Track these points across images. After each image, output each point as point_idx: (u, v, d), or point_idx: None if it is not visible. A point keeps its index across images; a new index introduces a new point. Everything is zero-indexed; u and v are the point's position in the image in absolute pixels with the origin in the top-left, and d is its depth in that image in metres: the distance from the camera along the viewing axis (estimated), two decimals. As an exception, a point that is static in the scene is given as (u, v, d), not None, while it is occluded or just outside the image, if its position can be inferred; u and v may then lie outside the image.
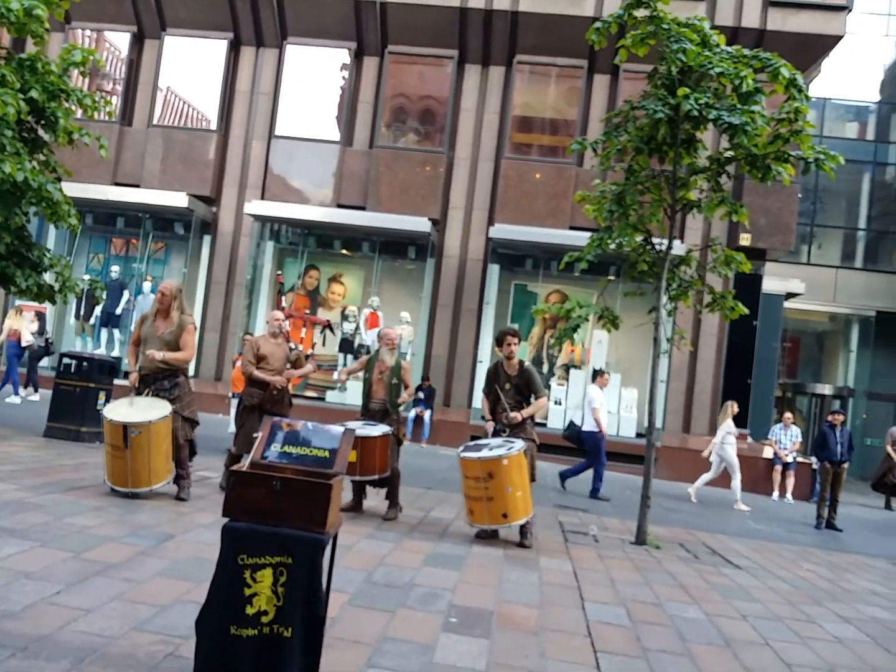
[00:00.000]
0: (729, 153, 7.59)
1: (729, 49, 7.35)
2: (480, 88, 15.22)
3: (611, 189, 7.86)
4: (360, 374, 7.12)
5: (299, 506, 2.76)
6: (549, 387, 14.65)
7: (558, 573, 5.60)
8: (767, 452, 13.18)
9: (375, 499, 7.18)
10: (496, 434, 6.63)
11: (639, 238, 7.78)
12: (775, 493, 13.00)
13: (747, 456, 13.20)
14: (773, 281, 15.10)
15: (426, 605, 4.43)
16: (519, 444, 6.19)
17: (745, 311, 8.12)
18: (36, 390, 13.17)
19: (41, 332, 13.32)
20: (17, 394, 12.53)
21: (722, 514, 10.51)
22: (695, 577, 6.10)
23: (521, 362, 6.70)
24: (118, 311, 15.79)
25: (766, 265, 14.44)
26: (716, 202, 7.78)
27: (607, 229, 7.76)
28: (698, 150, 7.77)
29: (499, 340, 6.79)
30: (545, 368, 15.11)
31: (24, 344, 12.80)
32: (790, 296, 16.35)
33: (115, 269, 16.07)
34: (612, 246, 7.81)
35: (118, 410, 6.28)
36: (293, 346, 7.21)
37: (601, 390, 10.53)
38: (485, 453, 6.11)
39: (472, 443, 6.58)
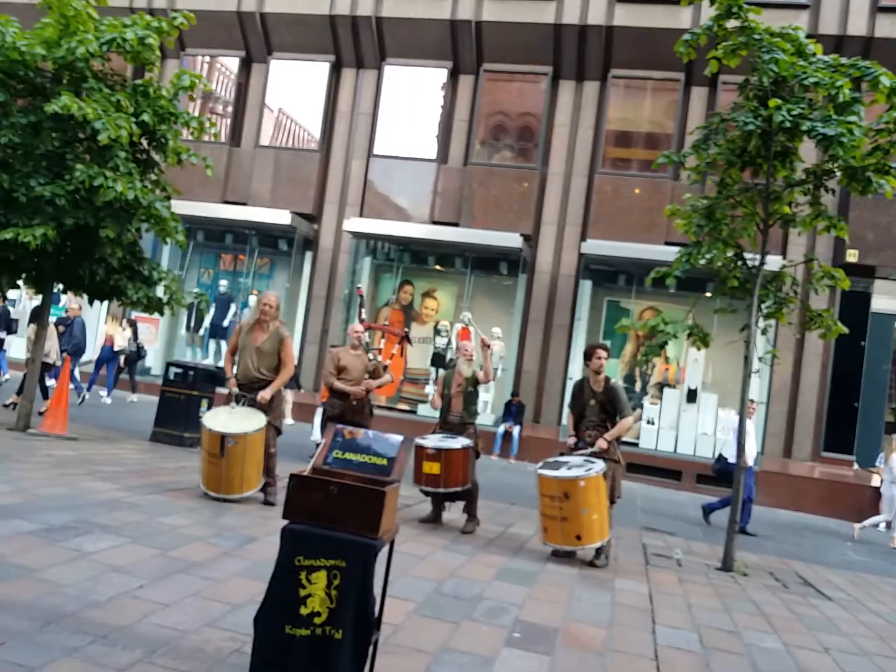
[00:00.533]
0: (827, 166, 7.32)
1: (825, 58, 7.11)
2: (575, 103, 15.18)
3: (701, 203, 7.70)
4: (426, 384, 7.24)
5: (354, 511, 2.85)
6: (641, 406, 14.37)
7: (633, 595, 5.49)
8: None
9: (456, 512, 7.23)
10: (578, 451, 6.55)
11: (729, 253, 7.57)
12: (882, 525, 12.25)
13: (853, 484, 12.55)
14: (884, 299, 14.28)
15: (491, 618, 4.45)
16: (598, 466, 6.08)
17: (845, 330, 7.75)
18: (134, 391, 14.44)
19: (135, 338, 14.38)
20: (88, 390, 13.68)
21: (822, 544, 10.00)
22: (779, 607, 5.85)
23: (607, 379, 6.58)
24: (226, 323, 16.56)
25: (876, 283, 13.69)
26: (813, 216, 7.51)
27: (696, 244, 7.60)
28: (794, 162, 7.53)
29: (587, 354, 6.67)
30: (637, 387, 14.82)
31: (116, 349, 14.00)
32: (904, 316, 15.42)
33: (223, 284, 16.89)
34: (702, 262, 7.63)
35: (217, 419, 6.55)
36: (372, 357, 7.42)
37: (749, 420, 9.94)
38: (562, 472, 6.05)
39: (552, 459, 6.52)
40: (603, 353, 6.53)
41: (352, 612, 2.83)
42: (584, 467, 6.10)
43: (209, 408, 9.88)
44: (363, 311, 8.56)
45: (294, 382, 13.43)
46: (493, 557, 5.98)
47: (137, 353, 14.45)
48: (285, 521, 2.95)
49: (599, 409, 6.48)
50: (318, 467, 3.10)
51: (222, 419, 6.52)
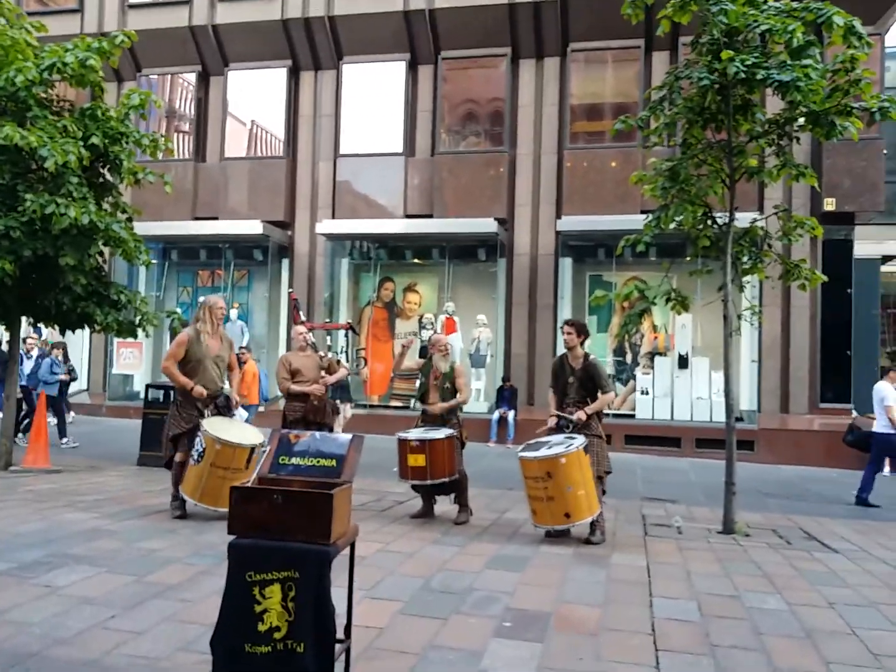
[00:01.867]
0: (788, 114, 7.18)
1: (777, 4, 6.96)
2: (536, 82, 14.98)
3: (664, 165, 7.56)
4: (417, 379, 7.11)
5: (302, 518, 2.71)
6: (634, 377, 14.25)
7: (629, 569, 5.36)
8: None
9: (448, 504, 7.09)
10: (560, 430, 6.45)
11: (699, 213, 7.43)
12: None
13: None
14: (867, 245, 14.14)
15: (481, 609, 4.32)
16: (578, 441, 5.98)
17: (824, 278, 7.66)
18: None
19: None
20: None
21: (826, 496, 9.88)
22: (782, 565, 5.73)
23: (585, 355, 6.51)
24: (209, 340, 16.35)
25: (857, 229, 13.48)
26: (779, 167, 7.37)
27: (663, 208, 7.46)
28: (756, 114, 7.39)
29: None
30: (629, 358, 14.69)
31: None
32: (887, 259, 15.27)
33: (202, 301, 16.68)
34: (672, 225, 7.49)
35: (221, 431, 6.21)
36: (322, 355, 7.36)
37: (893, 386, 9.45)
38: (542, 452, 5.94)
39: (533, 441, 6.43)
40: (568, 329, 6.52)
41: (311, 624, 2.70)
42: (565, 444, 5.99)
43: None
44: (300, 313, 8.50)
45: (347, 395, 13.26)
46: (486, 546, 5.84)
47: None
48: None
49: (579, 385, 6.42)
50: (263, 476, 2.96)
51: (225, 429, 6.25)
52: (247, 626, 2.71)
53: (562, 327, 6.70)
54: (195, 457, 6.27)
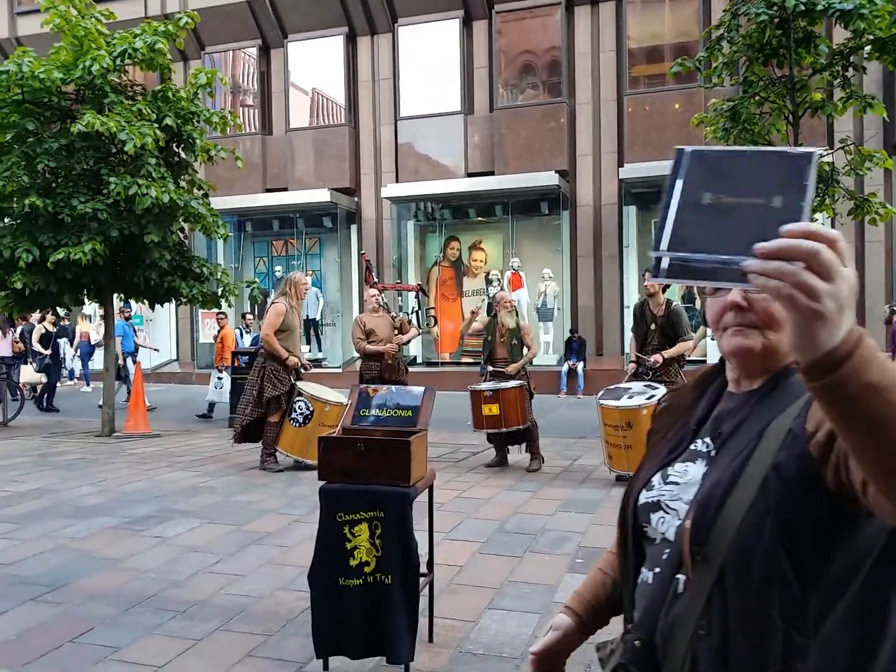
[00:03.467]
0: (853, 43, 7.02)
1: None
2: (592, 28, 14.75)
3: (725, 105, 7.49)
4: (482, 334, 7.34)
5: (383, 464, 2.99)
6: (703, 323, 14.11)
7: (700, 508, 5.51)
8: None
9: (521, 453, 7.34)
10: (639, 376, 6.57)
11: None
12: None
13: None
14: (948, 173, 13.51)
15: (554, 548, 4.57)
16: (660, 393, 6.07)
17: (895, 211, 7.50)
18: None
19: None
20: (88, 384, 15.27)
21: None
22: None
23: (668, 302, 6.51)
24: (285, 306, 16.96)
25: (934, 158, 12.96)
26: (845, 99, 7.23)
27: (725, 149, 7.41)
28: (819, 46, 7.23)
29: None
30: (698, 304, 14.55)
31: (94, 342, 15.25)
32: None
33: (278, 269, 17.29)
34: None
35: (323, 393, 7.02)
36: (395, 315, 7.63)
37: None
38: (623, 402, 6.07)
39: (612, 386, 6.55)
40: (650, 276, 6.48)
41: (397, 558, 2.98)
42: (646, 394, 6.09)
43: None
44: (373, 274, 8.69)
45: None
46: (558, 491, 6.08)
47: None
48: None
49: (660, 332, 6.43)
50: (347, 427, 3.25)
51: (322, 391, 7.05)
52: (339, 562, 3.01)
53: (643, 274, 6.75)
54: (299, 420, 6.84)
